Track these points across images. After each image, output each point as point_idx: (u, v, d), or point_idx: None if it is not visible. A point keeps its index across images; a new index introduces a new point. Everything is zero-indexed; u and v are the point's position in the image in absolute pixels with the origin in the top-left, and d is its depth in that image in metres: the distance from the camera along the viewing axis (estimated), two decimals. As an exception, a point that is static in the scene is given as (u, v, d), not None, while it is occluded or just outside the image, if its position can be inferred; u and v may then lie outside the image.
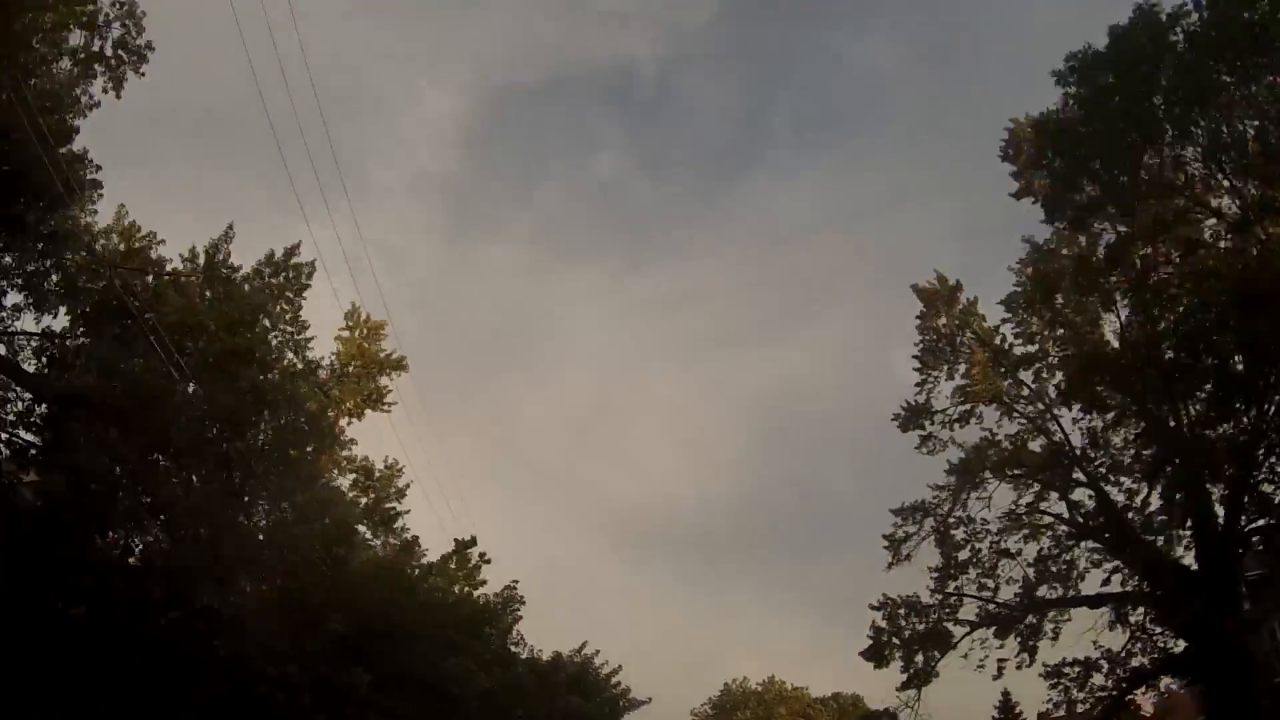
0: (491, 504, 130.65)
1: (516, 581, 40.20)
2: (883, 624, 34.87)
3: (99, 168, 22.97)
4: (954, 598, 34.96)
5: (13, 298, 22.31)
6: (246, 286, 26.71)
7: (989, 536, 34.57)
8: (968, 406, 35.08)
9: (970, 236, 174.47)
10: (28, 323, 22.72)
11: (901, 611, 34.97)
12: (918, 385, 35.90)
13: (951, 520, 35.07)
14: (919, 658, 34.50)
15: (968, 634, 34.22)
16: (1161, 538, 31.75)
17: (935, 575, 35.06)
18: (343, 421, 33.65)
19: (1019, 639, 33.44)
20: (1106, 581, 32.62)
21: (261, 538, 26.03)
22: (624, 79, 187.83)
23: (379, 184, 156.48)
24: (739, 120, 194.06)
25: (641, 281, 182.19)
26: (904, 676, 34.64)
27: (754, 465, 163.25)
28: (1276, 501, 28.42)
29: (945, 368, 35.56)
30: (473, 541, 36.48)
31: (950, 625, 34.66)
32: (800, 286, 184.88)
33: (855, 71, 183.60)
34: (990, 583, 34.45)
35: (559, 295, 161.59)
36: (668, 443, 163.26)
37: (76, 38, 21.49)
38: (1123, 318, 31.22)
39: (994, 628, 33.83)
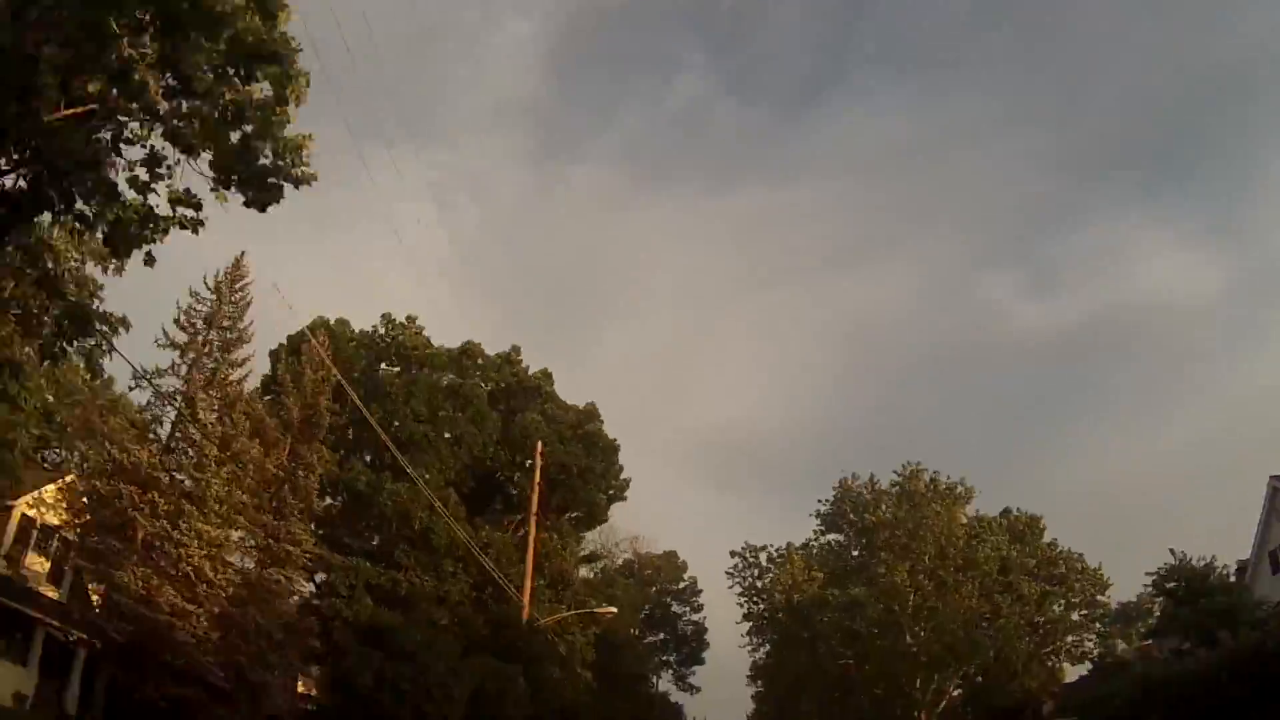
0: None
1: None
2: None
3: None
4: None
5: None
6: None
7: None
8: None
9: (1061, 169, 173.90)
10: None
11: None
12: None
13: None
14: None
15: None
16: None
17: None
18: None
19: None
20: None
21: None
22: (707, 3, 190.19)
23: (462, 111, 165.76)
24: (823, 44, 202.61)
25: (725, 205, 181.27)
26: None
27: (839, 392, 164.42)
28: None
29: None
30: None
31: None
32: (886, 213, 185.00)
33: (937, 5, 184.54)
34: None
35: (642, 220, 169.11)
36: (753, 369, 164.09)
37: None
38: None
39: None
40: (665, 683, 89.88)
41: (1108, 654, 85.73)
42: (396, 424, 40.20)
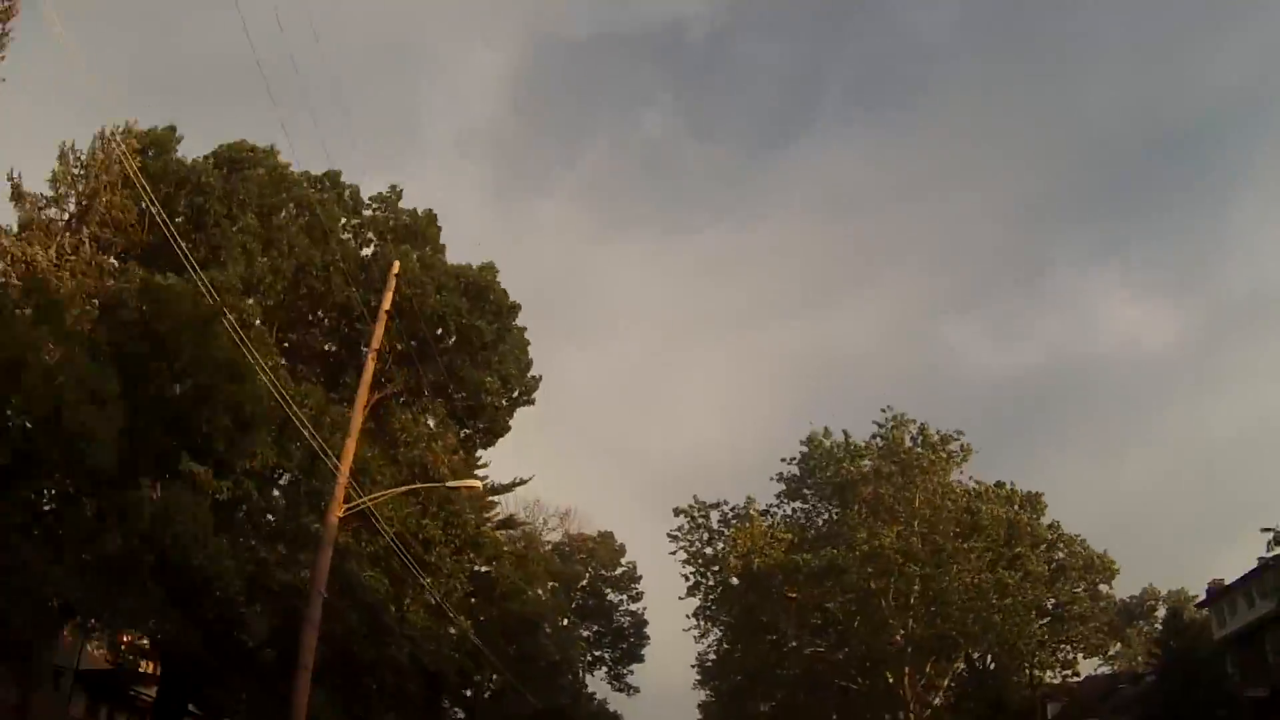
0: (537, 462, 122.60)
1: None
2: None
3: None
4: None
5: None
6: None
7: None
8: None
9: (1027, 215, 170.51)
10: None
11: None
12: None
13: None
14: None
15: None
16: None
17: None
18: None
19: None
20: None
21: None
22: (674, 38, 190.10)
23: (428, 140, 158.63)
24: (790, 84, 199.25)
25: (688, 244, 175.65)
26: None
27: (794, 432, 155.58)
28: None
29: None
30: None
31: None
32: (848, 255, 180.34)
33: (911, 39, 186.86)
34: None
35: (605, 255, 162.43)
36: (714, 404, 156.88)
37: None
38: None
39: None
40: (598, 681, 76.83)
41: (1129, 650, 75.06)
42: (210, 228, 27.33)
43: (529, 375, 36.32)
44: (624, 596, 77.00)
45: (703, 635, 56.25)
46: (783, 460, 54.89)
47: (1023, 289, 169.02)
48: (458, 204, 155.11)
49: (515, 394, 36.02)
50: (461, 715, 45.92)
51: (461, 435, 34.59)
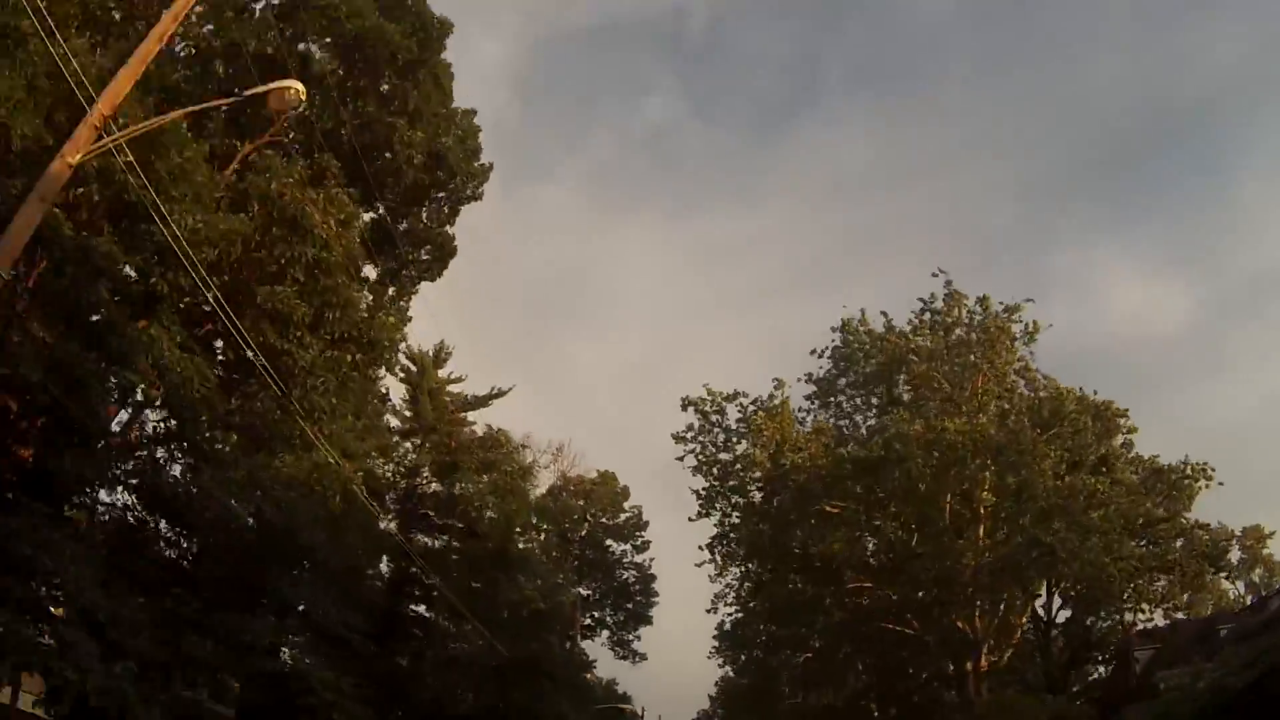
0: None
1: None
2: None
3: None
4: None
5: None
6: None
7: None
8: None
9: (1027, 196, 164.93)
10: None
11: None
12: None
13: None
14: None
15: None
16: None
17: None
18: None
19: None
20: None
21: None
22: (674, 24, 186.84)
23: None
24: (791, 68, 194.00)
25: (692, 228, 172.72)
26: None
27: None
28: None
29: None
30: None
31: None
32: (851, 238, 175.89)
33: (910, 22, 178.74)
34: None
35: (610, 242, 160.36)
36: (720, 388, 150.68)
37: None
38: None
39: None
40: (599, 647, 66.88)
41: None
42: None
43: (477, 161, 26.24)
44: (628, 546, 67.01)
45: (720, 573, 46.03)
46: (812, 354, 44.95)
47: (1025, 268, 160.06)
48: None
49: (455, 182, 25.84)
50: (404, 661, 36.30)
51: (368, 218, 24.33)
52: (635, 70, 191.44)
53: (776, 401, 40.62)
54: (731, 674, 65.59)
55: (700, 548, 44.79)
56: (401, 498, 42.49)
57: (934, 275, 42.76)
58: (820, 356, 44.46)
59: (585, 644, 66.31)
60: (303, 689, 22.48)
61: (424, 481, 43.29)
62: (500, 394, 47.18)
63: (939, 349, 41.92)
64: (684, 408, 41.89)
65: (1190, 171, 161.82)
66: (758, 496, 41.57)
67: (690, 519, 43.20)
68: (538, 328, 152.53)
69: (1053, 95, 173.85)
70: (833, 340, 44.61)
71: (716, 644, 65.31)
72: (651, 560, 66.72)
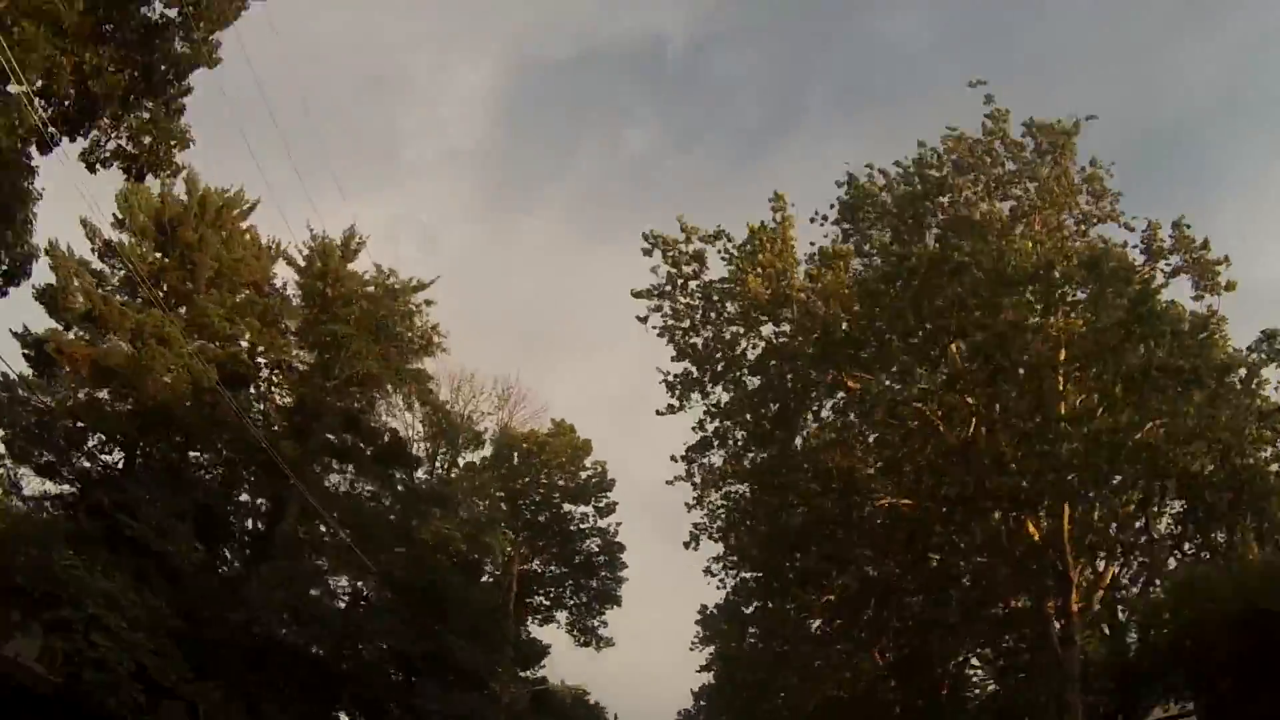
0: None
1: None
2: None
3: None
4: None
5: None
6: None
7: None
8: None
9: None
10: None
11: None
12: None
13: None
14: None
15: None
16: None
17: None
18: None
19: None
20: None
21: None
22: (655, 53, 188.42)
23: (413, 161, 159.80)
24: (772, 96, 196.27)
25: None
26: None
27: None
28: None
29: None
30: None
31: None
32: None
33: (890, 50, 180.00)
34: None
35: (594, 270, 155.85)
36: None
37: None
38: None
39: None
40: (558, 632, 54.36)
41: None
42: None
43: None
44: (589, 509, 54.38)
45: (698, 498, 33.71)
46: (813, 221, 32.27)
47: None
48: (445, 222, 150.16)
49: None
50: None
51: None
52: (616, 98, 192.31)
53: (773, 226, 28.56)
54: (716, 662, 53.45)
55: (673, 458, 32.59)
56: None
57: (970, 86, 30.53)
58: (823, 223, 31.93)
59: (541, 629, 53.91)
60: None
61: (295, 357, 31.72)
62: (421, 285, 36.27)
63: (982, 180, 30.04)
64: (648, 251, 29.77)
65: (1170, 192, 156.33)
66: (753, 378, 29.34)
67: (659, 411, 30.84)
68: (517, 357, 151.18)
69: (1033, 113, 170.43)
70: (840, 197, 32.30)
71: (700, 630, 53.30)
72: (618, 526, 54.33)
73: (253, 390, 32.52)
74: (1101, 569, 28.59)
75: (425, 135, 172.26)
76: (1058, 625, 27.64)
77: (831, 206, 30.23)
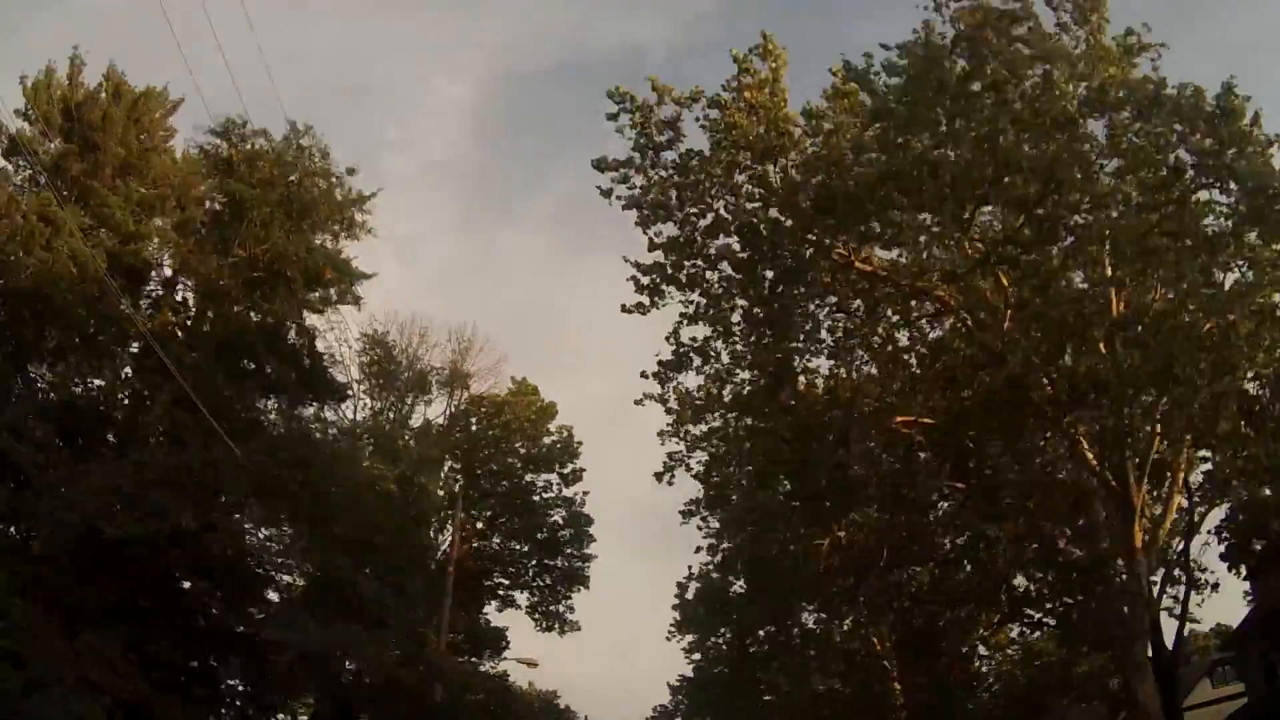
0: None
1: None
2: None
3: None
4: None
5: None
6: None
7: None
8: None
9: None
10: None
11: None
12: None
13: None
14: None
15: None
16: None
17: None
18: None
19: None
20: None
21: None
22: (634, 66, 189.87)
23: (392, 174, 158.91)
24: None
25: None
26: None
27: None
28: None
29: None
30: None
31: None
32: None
33: (869, 54, 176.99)
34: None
35: (574, 283, 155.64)
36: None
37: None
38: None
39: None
40: (518, 615, 48.53)
41: None
42: None
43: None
44: (552, 478, 48.47)
45: (676, 426, 28.22)
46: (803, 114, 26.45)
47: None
48: (425, 236, 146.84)
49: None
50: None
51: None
52: (596, 110, 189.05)
53: (764, 74, 23.07)
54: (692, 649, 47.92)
55: (644, 374, 26.91)
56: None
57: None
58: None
59: (500, 614, 48.06)
60: None
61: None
62: (362, 199, 30.92)
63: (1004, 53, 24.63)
64: (613, 115, 24.18)
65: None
66: (740, 251, 23.77)
67: (625, 307, 25.19)
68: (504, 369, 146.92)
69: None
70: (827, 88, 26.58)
71: (677, 617, 47.54)
72: (585, 495, 48.51)
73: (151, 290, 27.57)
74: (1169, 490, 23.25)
75: (405, 147, 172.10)
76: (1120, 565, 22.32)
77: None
